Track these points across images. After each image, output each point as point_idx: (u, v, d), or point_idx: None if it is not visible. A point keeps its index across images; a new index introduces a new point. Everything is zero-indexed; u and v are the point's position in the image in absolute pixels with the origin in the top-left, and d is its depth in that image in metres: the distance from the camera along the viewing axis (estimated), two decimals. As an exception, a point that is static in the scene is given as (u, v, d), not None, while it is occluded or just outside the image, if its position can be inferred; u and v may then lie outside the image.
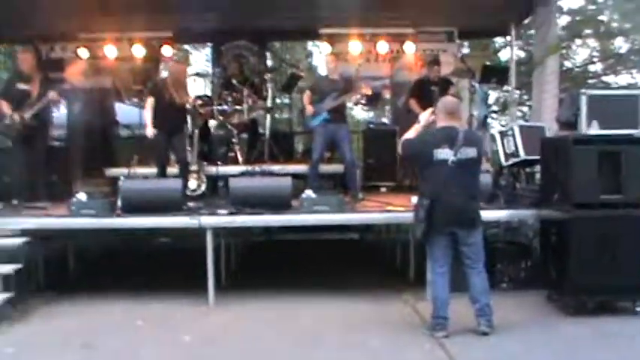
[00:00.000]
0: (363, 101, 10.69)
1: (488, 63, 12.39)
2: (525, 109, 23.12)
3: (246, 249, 11.14)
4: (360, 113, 24.53)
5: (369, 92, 10.26)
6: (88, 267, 10.48)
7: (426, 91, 10.62)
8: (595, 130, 7.64)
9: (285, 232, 10.32)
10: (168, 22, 13.64)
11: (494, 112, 26.09)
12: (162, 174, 9.99)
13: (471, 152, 6.35)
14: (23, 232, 8.20)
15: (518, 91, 21.24)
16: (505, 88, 15.86)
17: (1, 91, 10.10)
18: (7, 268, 7.72)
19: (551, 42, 11.91)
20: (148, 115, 10.00)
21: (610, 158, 7.56)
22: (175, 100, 9.90)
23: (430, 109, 6.77)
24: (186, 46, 25.95)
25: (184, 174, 10.09)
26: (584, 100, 7.73)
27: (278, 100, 15.51)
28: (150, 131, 9.85)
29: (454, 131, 6.38)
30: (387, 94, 14.09)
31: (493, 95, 24.50)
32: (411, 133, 6.71)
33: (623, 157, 7.57)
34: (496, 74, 11.31)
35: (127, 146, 13.14)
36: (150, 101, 10.02)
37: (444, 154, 6.28)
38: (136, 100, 14.10)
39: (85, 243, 10.95)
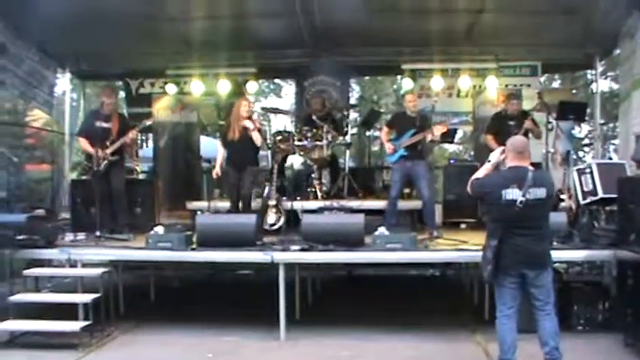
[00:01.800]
0: (438, 139, 10.57)
1: (564, 99, 11.94)
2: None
3: (324, 283, 11.15)
4: (445, 148, 24.37)
5: (445, 130, 10.22)
6: (168, 297, 10.69)
7: (504, 126, 10.40)
8: (672, 168, 7.43)
9: (364, 267, 10.31)
10: (252, 58, 13.98)
11: (586, 145, 25.55)
12: (235, 209, 10.15)
13: (540, 193, 6.21)
14: (102, 263, 8.46)
15: (604, 126, 20.83)
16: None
17: (83, 129, 10.52)
18: (86, 297, 7.96)
19: (636, 76, 11.61)
20: (219, 152, 10.37)
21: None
22: (237, 136, 10.10)
23: (500, 148, 6.68)
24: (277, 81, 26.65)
25: (245, 209, 10.16)
26: (660, 137, 7.54)
27: (357, 136, 15.47)
28: (216, 169, 10.26)
29: (523, 171, 6.27)
30: (465, 131, 13.97)
31: (585, 129, 24.05)
32: (480, 172, 6.63)
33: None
34: (573, 110, 11.03)
35: (210, 180, 13.42)
36: (221, 139, 10.32)
37: (513, 194, 6.16)
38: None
39: (166, 274, 11.24)
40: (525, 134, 10.07)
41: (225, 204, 10.82)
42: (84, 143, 10.14)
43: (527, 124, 10.40)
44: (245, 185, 10.13)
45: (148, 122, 10.79)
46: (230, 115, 10.50)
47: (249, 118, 10.24)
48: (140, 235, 9.50)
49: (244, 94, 13.38)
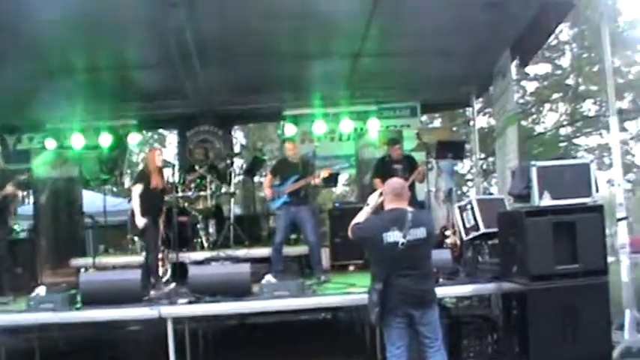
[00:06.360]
0: (322, 184, 10.72)
1: (442, 139, 12.32)
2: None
3: (216, 334, 10.99)
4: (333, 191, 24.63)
5: (327, 175, 10.36)
6: (53, 360, 10.31)
7: (390, 171, 10.61)
8: (547, 201, 7.70)
9: (256, 315, 10.24)
10: (133, 109, 13.86)
11: (470, 180, 26.32)
12: (152, 260, 10.04)
13: (420, 233, 6.33)
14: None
15: (485, 161, 21.56)
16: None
17: None
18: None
19: (509, 112, 12.08)
20: (136, 203, 10.03)
21: (564, 228, 7.64)
22: (157, 186, 10.08)
23: (378, 191, 6.79)
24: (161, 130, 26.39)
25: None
26: (534, 171, 7.81)
27: (243, 183, 15.49)
28: (140, 221, 9.91)
29: (402, 213, 6.38)
30: (350, 174, 14.16)
31: (468, 164, 24.80)
32: (360, 217, 6.70)
33: (578, 226, 7.64)
34: (451, 149, 11.39)
35: (95, 235, 13.14)
36: (136, 189, 10.07)
37: (394, 236, 6.24)
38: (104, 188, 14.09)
39: (53, 335, 10.84)
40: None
41: (110, 259, 10.60)
42: None
43: (415, 176, 10.66)
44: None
45: (23, 177, 10.46)
46: (150, 165, 10.32)
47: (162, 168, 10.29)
48: (22, 296, 9.15)
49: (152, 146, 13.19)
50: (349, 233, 6.66)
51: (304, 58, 11.96)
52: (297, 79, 12.94)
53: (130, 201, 11.17)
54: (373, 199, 6.74)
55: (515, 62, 11.88)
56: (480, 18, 10.52)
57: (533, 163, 7.91)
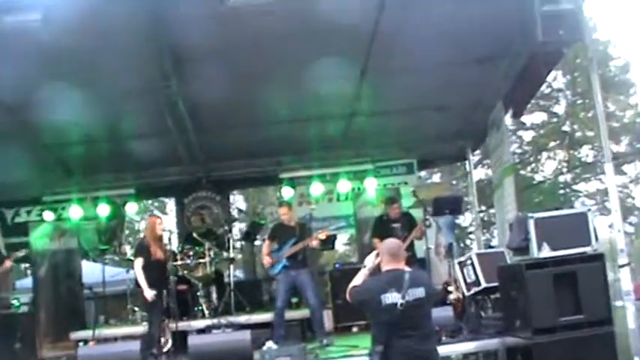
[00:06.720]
0: (319, 246, 10.70)
1: (438, 195, 12.27)
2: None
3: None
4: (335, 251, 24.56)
5: (324, 237, 10.32)
6: None
7: (388, 230, 10.53)
8: (546, 252, 7.65)
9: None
10: (130, 178, 13.88)
11: (472, 233, 26.23)
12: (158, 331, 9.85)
13: (419, 293, 6.21)
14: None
15: (486, 213, 21.51)
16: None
17: None
18: None
19: (505, 164, 12.09)
20: (140, 276, 9.69)
21: (566, 279, 7.57)
22: (159, 257, 9.86)
23: (375, 252, 6.72)
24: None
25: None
26: (531, 223, 7.77)
27: (242, 249, 15.43)
28: (149, 294, 9.55)
29: (400, 273, 6.27)
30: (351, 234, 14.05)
31: (469, 217, 24.74)
32: (358, 279, 6.60)
33: (580, 276, 7.57)
34: (449, 205, 11.31)
35: (96, 306, 13.03)
36: (138, 263, 9.78)
37: (392, 298, 6.11)
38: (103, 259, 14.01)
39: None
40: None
41: (111, 331, 10.49)
42: None
43: (414, 234, 10.63)
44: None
45: (21, 253, 10.43)
46: (150, 235, 10.04)
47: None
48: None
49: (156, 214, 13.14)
50: (347, 296, 6.56)
51: (299, 121, 12.04)
52: (292, 143, 13.05)
53: (128, 271, 11.12)
54: (370, 261, 6.64)
55: (509, 113, 11.91)
56: (472, 73, 10.64)
57: (530, 214, 7.87)
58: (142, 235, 13.41)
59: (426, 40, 9.40)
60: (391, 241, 6.70)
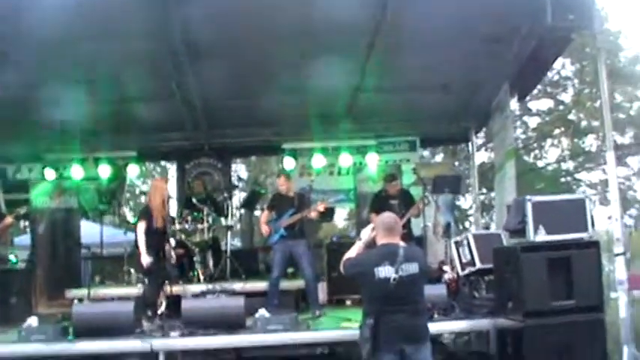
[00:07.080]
0: (317, 218, 10.72)
1: (439, 173, 12.28)
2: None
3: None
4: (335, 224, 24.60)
5: (323, 209, 10.35)
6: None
7: (386, 206, 10.52)
8: (542, 236, 7.66)
9: (253, 349, 10.11)
10: (132, 141, 13.90)
11: (471, 215, 26.24)
12: (157, 297, 9.85)
13: (412, 268, 6.24)
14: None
15: (486, 196, 21.49)
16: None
17: None
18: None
19: (508, 147, 12.08)
20: (141, 241, 9.63)
21: (560, 264, 7.58)
22: (160, 222, 9.79)
23: (370, 226, 6.74)
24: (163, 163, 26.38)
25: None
26: (529, 206, 7.76)
27: (242, 217, 15.47)
28: (145, 259, 9.54)
29: (394, 248, 6.30)
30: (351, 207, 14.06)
31: (470, 199, 24.73)
32: (352, 252, 6.63)
33: (574, 261, 7.59)
34: (448, 183, 11.34)
35: (92, 266, 13.09)
36: (140, 227, 9.70)
37: (386, 272, 6.15)
38: (102, 219, 14.05)
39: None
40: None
41: (106, 291, 10.54)
42: None
43: (412, 212, 10.64)
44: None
45: (22, 210, 10.46)
46: (154, 197, 9.92)
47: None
48: (14, 327, 9.07)
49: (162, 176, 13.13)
50: (341, 268, 6.59)
51: (304, 92, 11.96)
52: (295, 114, 12.99)
53: (126, 233, 11.14)
54: (366, 234, 6.68)
55: (515, 97, 11.89)
56: (479, 53, 10.59)
57: (528, 197, 7.86)
58: (143, 198, 13.36)
59: (434, 16, 9.36)
60: (387, 216, 6.71)
